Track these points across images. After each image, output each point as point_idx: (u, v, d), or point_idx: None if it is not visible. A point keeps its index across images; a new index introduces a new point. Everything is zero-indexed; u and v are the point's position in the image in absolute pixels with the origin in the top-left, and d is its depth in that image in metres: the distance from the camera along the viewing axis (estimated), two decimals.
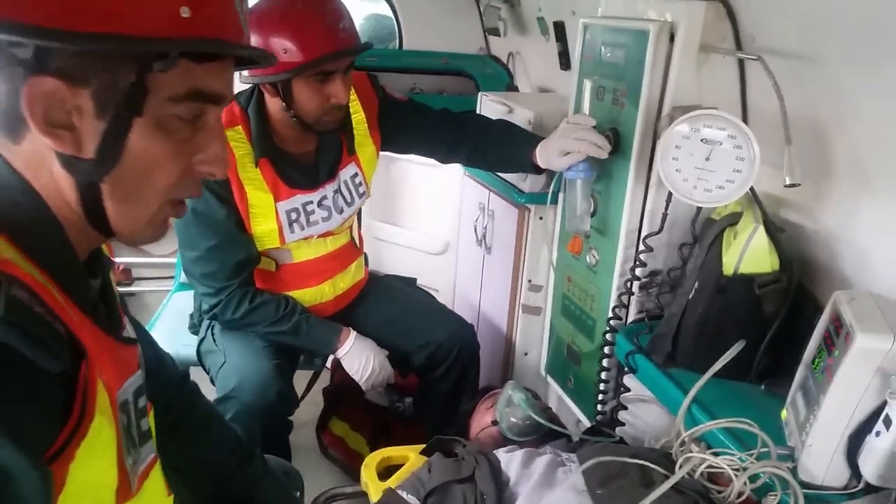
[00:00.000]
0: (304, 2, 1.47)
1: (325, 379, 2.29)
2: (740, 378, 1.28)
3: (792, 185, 1.22)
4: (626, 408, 1.53)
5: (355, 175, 1.76)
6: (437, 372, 1.87)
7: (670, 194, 1.36)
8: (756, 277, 1.26)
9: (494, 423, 1.44)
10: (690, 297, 1.32)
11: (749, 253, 1.26)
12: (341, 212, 1.74)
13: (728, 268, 1.27)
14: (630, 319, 1.56)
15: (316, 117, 1.55)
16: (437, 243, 2.69)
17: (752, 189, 1.28)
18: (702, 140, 1.26)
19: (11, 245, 0.63)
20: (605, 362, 1.59)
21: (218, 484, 1.15)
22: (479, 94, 2.26)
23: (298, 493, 1.31)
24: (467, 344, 1.89)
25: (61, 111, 0.65)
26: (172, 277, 2.55)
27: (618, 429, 1.54)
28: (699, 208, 1.39)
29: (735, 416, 1.12)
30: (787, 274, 1.27)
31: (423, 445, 1.44)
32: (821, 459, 1.02)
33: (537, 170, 1.70)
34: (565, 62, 2.24)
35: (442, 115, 1.82)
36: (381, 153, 1.83)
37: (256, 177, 1.59)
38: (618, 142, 1.49)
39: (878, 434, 0.95)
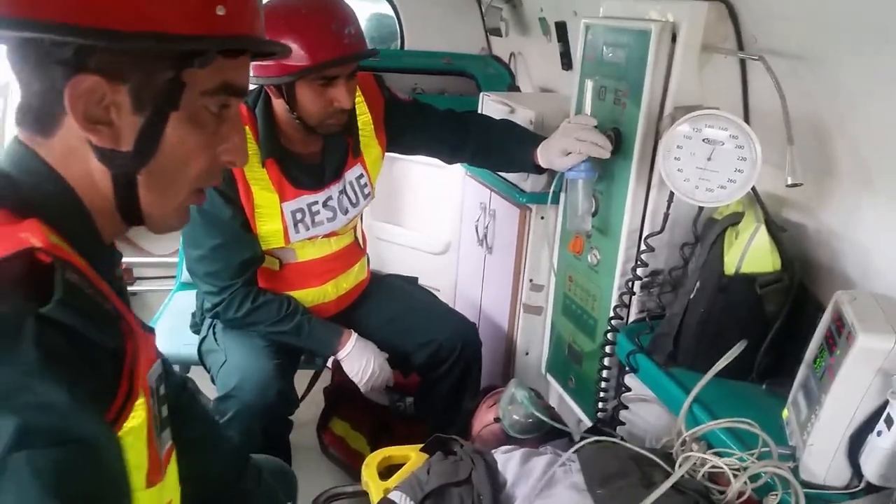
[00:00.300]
0: (310, 5, 1.46)
1: (325, 378, 2.29)
2: (741, 378, 1.28)
3: (794, 185, 1.22)
4: (626, 407, 1.54)
5: (361, 176, 1.76)
6: (440, 370, 1.87)
7: (672, 194, 1.36)
8: (758, 277, 1.26)
9: (497, 420, 1.44)
10: (692, 296, 1.32)
11: (751, 253, 1.26)
12: (346, 212, 1.74)
13: (730, 267, 1.27)
14: (631, 319, 1.56)
15: (319, 120, 1.55)
16: (438, 243, 2.69)
17: (753, 189, 1.28)
18: (703, 140, 1.26)
19: (52, 231, 0.65)
20: (606, 362, 1.59)
21: (211, 497, 1.09)
22: (481, 94, 2.26)
23: (291, 495, 1.30)
24: (470, 342, 1.89)
25: (100, 107, 0.68)
26: (174, 277, 2.55)
27: (618, 428, 1.54)
28: (701, 208, 1.39)
29: (736, 416, 1.12)
30: (788, 274, 1.27)
31: (424, 444, 1.44)
32: (822, 459, 1.02)
33: (539, 170, 1.70)
34: (567, 62, 2.25)
35: (446, 116, 1.82)
36: (385, 154, 1.83)
37: (263, 177, 1.59)
38: (619, 142, 1.49)
39: (879, 433, 0.95)
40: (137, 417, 0.66)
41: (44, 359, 0.56)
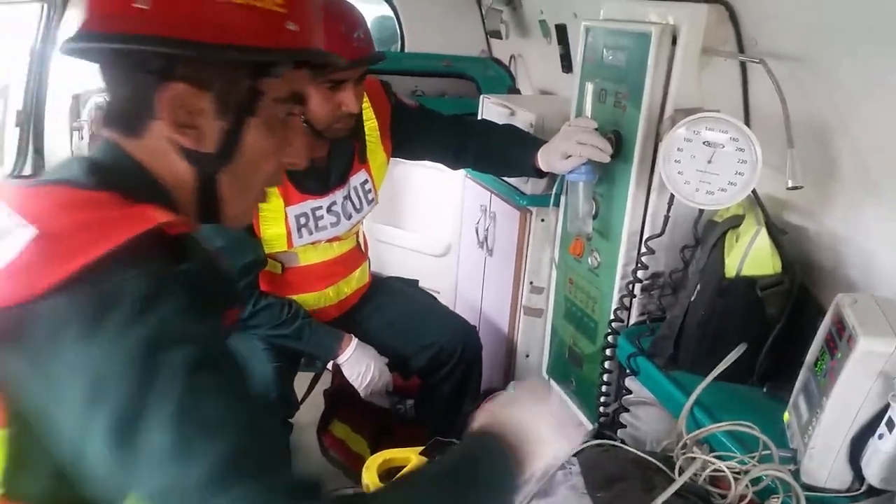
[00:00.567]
0: (320, 8, 1.46)
1: (326, 381, 2.29)
2: (742, 381, 1.28)
3: (794, 188, 1.22)
4: (627, 410, 1.53)
5: (365, 182, 1.76)
6: (440, 373, 1.87)
7: (672, 196, 1.36)
8: (758, 280, 1.26)
9: None
10: (692, 299, 1.32)
11: (751, 255, 1.26)
12: (350, 217, 1.74)
13: (730, 270, 1.27)
14: (632, 322, 1.56)
15: (326, 124, 1.55)
16: (438, 245, 2.69)
17: (754, 191, 1.28)
18: (704, 143, 1.26)
19: None
20: (606, 364, 1.59)
21: None
22: (481, 96, 2.26)
23: None
24: (470, 345, 1.89)
25: (186, 113, 0.75)
26: None
27: (619, 431, 1.54)
28: (701, 211, 1.39)
29: (737, 419, 1.12)
30: (789, 276, 1.27)
31: (424, 447, 1.43)
32: (823, 462, 1.02)
33: (540, 173, 1.70)
34: (567, 65, 2.25)
35: (451, 121, 1.82)
36: (390, 160, 1.83)
37: None
38: (620, 144, 1.49)
39: (880, 437, 0.95)
40: None
41: (191, 303, 0.67)
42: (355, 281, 1.87)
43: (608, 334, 1.56)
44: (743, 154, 1.24)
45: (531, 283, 2.00)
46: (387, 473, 1.44)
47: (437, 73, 2.94)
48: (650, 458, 1.16)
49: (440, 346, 1.85)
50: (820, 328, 1.10)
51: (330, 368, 2.20)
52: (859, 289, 1.26)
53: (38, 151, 2.86)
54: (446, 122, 1.82)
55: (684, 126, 1.28)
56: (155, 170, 0.78)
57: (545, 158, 1.63)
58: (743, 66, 1.43)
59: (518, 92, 2.86)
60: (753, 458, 1.08)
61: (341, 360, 1.74)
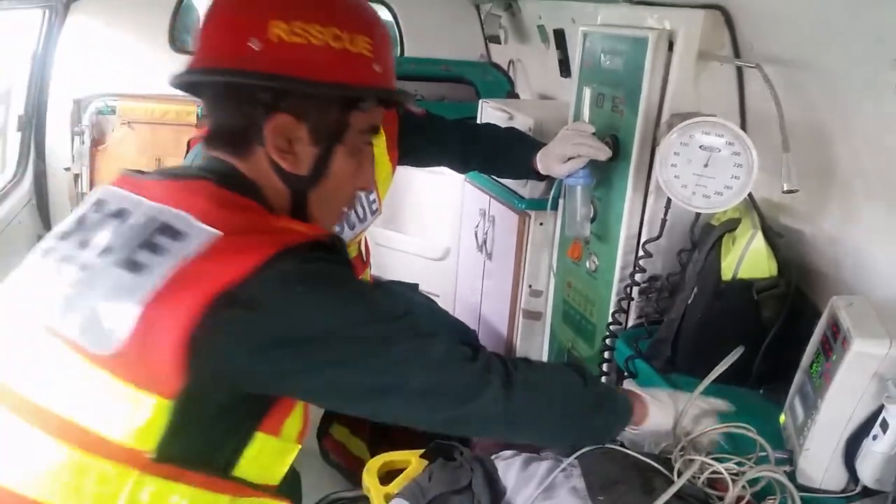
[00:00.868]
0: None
1: None
2: (739, 383, 1.29)
3: (790, 192, 1.23)
4: None
5: (370, 193, 1.76)
6: None
7: (669, 200, 1.37)
8: (755, 282, 1.27)
9: None
10: (689, 302, 1.33)
11: (747, 258, 1.27)
12: (353, 228, 1.74)
13: (727, 273, 1.28)
14: (630, 324, 1.57)
15: None
16: (438, 249, 2.70)
17: (750, 195, 1.29)
18: (700, 147, 1.27)
19: None
20: (605, 367, 1.60)
21: None
22: (480, 101, 2.27)
23: (296, 496, 1.31)
24: None
25: (286, 140, 0.86)
26: None
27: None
28: (698, 214, 1.40)
29: (734, 421, 1.13)
30: (785, 279, 1.28)
31: (424, 450, 1.44)
32: (819, 463, 1.03)
33: (539, 176, 1.71)
34: (566, 69, 2.26)
35: (458, 127, 1.81)
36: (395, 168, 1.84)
37: None
38: (617, 148, 1.50)
39: (875, 438, 0.95)
40: None
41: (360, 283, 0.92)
42: None
43: (606, 337, 1.57)
44: (739, 158, 1.25)
45: (530, 286, 2.01)
46: (387, 476, 1.44)
47: (437, 78, 2.95)
48: (649, 461, 1.17)
49: None
50: (815, 330, 1.11)
51: None
52: (855, 291, 1.26)
53: (40, 156, 2.88)
54: (454, 128, 1.81)
55: (681, 130, 1.29)
56: (261, 186, 0.89)
57: (543, 162, 1.64)
58: (739, 70, 1.45)
59: (517, 96, 2.87)
60: (750, 459, 1.09)
61: None
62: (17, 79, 2.72)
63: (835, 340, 1.03)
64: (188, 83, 0.90)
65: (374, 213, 1.80)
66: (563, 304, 1.80)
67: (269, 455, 0.87)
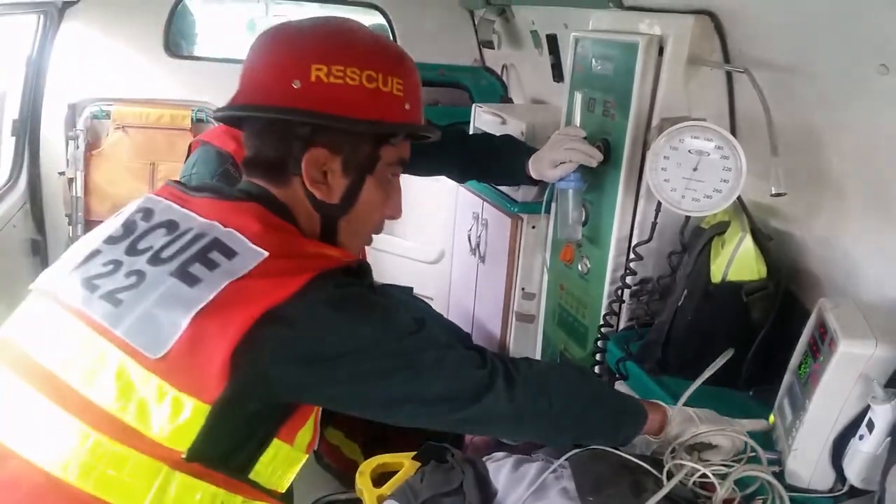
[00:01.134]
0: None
1: None
2: (729, 384, 1.29)
3: (778, 195, 1.24)
4: None
5: None
6: None
7: (659, 203, 1.38)
8: (744, 285, 1.28)
9: None
10: (679, 304, 1.34)
11: (737, 261, 1.28)
12: None
13: (716, 275, 1.30)
14: (621, 327, 1.58)
15: None
16: (432, 252, 2.71)
17: (739, 198, 1.30)
18: (689, 151, 1.29)
19: None
20: (596, 369, 1.61)
21: None
22: (474, 105, 2.28)
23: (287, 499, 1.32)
24: None
25: (320, 171, 0.94)
26: None
27: None
28: (688, 217, 1.41)
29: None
30: (774, 281, 1.29)
31: (417, 452, 1.44)
32: (807, 463, 1.04)
33: (532, 181, 1.71)
34: (558, 74, 2.27)
35: (455, 138, 1.81)
36: None
37: None
38: (608, 152, 1.51)
39: (861, 438, 0.97)
40: None
41: (383, 304, 0.91)
42: None
43: (598, 339, 1.58)
44: (728, 162, 1.26)
45: (523, 289, 2.02)
46: (380, 478, 1.45)
47: (430, 83, 2.95)
48: (640, 462, 1.17)
49: None
50: (803, 332, 1.12)
51: None
52: (844, 293, 1.28)
53: (34, 160, 2.87)
54: (451, 140, 1.81)
55: (670, 134, 1.30)
56: (295, 212, 0.96)
57: (535, 167, 1.65)
58: (729, 75, 1.46)
59: (510, 101, 2.89)
60: (741, 461, 1.10)
61: None
62: (11, 83, 2.72)
63: (822, 342, 1.04)
64: (230, 117, 1.00)
65: None
66: (555, 307, 1.81)
67: (281, 461, 0.92)
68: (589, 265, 1.63)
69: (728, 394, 1.29)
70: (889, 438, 0.93)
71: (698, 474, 1.09)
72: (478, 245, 2.22)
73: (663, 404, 1.11)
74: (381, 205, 1.02)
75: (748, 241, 1.28)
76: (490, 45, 2.75)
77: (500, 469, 1.24)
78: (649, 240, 1.45)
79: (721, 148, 1.26)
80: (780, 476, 1.05)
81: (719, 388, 1.28)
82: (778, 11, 1.25)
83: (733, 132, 1.44)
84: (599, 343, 1.58)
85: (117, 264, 0.87)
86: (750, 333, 1.29)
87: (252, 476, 0.89)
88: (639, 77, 1.41)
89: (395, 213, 1.06)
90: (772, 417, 1.16)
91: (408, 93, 0.97)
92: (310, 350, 0.84)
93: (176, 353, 0.79)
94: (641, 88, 1.42)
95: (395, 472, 1.44)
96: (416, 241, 2.75)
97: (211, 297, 0.80)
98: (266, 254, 0.84)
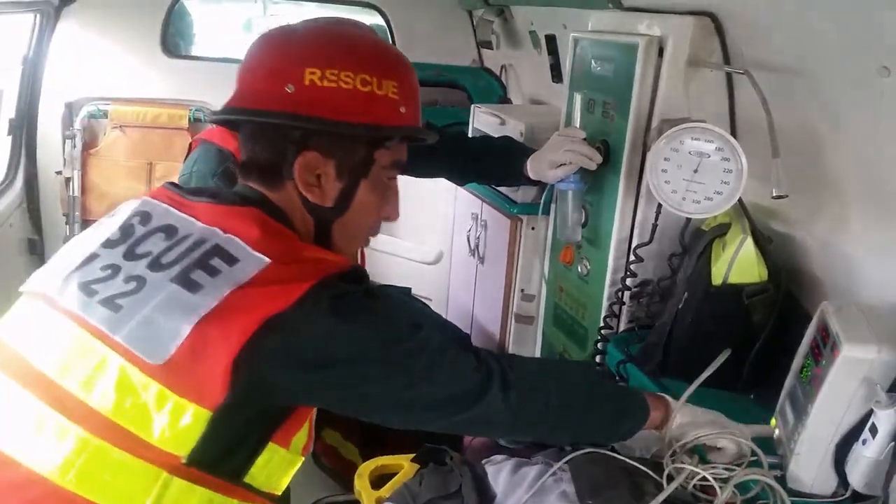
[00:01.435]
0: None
1: None
2: (730, 388, 1.29)
3: (778, 197, 1.23)
4: None
5: None
6: None
7: (660, 205, 1.37)
8: (745, 287, 1.27)
9: None
10: (680, 306, 1.34)
11: (737, 263, 1.28)
12: None
13: (717, 278, 1.29)
14: (621, 329, 1.57)
15: None
16: (430, 253, 2.70)
17: (740, 200, 1.29)
18: (690, 152, 1.28)
19: None
20: None
21: None
22: (472, 106, 2.27)
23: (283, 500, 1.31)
24: None
25: (313, 175, 0.94)
26: None
27: None
28: (688, 219, 1.40)
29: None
30: (774, 284, 1.28)
31: (416, 454, 1.44)
32: (809, 468, 1.04)
33: (531, 181, 1.71)
34: (557, 75, 2.27)
35: (455, 140, 1.80)
36: None
37: None
38: (608, 154, 1.51)
39: (864, 442, 0.96)
40: None
41: (383, 303, 0.92)
42: None
43: (598, 341, 1.57)
44: (728, 163, 1.25)
45: (522, 290, 2.01)
46: (378, 480, 1.44)
47: (429, 83, 2.94)
48: (640, 466, 1.17)
49: None
50: (805, 335, 1.12)
51: None
52: (845, 296, 1.27)
53: (31, 159, 2.86)
54: (450, 142, 1.80)
55: (671, 136, 1.29)
56: (290, 215, 0.96)
57: (535, 168, 1.64)
58: (729, 76, 1.45)
59: (509, 101, 2.88)
60: (742, 464, 1.09)
61: None
62: (8, 82, 2.71)
63: (824, 346, 1.03)
64: (225, 120, 1.00)
65: None
66: (554, 309, 1.80)
67: (276, 464, 0.92)
68: (589, 267, 1.62)
69: (729, 397, 1.29)
70: (893, 443, 0.93)
71: (698, 478, 1.09)
72: (477, 246, 2.21)
73: (667, 397, 1.11)
74: (376, 208, 1.02)
75: (749, 244, 1.27)
76: (489, 45, 2.75)
77: (499, 472, 1.23)
78: (650, 241, 1.45)
79: (722, 150, 1.26)
80: (781, 480, 1.04)
81: (720, 391, 1.28)
82: (778, 12, 1.24)
83: (733, 134, 1.43)
84: (599, 345, 1.57)
85: (116, 269, 0.86)
86: (751, 336, 1.28)
87: (247, 480, 0.89)
88: (638, 78, 1.41)
89: (393, 216, 1.06)
90: (773, 421, 1.16)
91: (403, 96, 0.97)
92: (311, 356, 0.85)
93: (177, 359, 0.79)
94: (641, 90, 1.41)
95: (394, 474, 1.43)
96: (415, 241, 2.74)
97: (213, 304, 0.80)
98: (268, 261, 0.84)
